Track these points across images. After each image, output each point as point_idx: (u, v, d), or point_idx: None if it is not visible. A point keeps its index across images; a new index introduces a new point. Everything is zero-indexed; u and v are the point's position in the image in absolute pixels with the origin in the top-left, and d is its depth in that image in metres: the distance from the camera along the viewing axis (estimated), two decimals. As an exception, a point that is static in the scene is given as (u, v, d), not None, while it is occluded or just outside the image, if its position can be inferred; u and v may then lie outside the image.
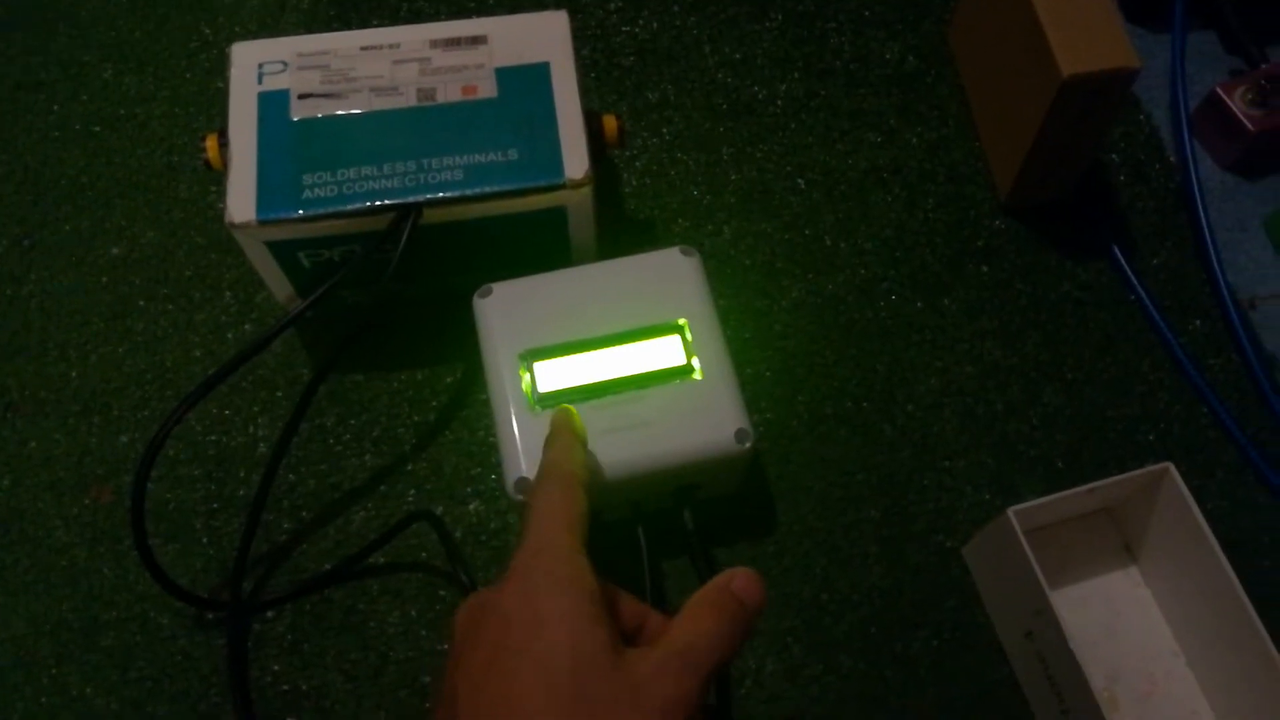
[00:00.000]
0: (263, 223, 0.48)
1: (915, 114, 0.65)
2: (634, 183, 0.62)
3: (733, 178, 0.62)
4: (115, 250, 0.59)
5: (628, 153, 0.63)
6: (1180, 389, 0.56)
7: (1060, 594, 0.50)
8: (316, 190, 0.49)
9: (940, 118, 0.65)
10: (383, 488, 0.53)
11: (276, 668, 0.49)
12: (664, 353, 0.49)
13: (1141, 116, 0.65)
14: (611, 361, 0.48)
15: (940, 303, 0.59)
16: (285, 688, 0.48)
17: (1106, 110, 0.54)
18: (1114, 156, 0.64)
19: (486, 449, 0.54)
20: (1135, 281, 0.59)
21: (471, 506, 0.52)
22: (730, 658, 0.35)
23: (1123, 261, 0.59)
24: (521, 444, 0.46)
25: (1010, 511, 0.45)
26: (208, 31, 0.66)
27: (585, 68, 0.65)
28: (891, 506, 0.53)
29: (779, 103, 0.65)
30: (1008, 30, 0.57)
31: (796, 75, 0.66)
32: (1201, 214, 0.60)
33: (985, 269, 0.60)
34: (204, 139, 0.51)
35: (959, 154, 0.63)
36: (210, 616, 0.50)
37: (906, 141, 0.64)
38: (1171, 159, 0.64)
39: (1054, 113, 0.54)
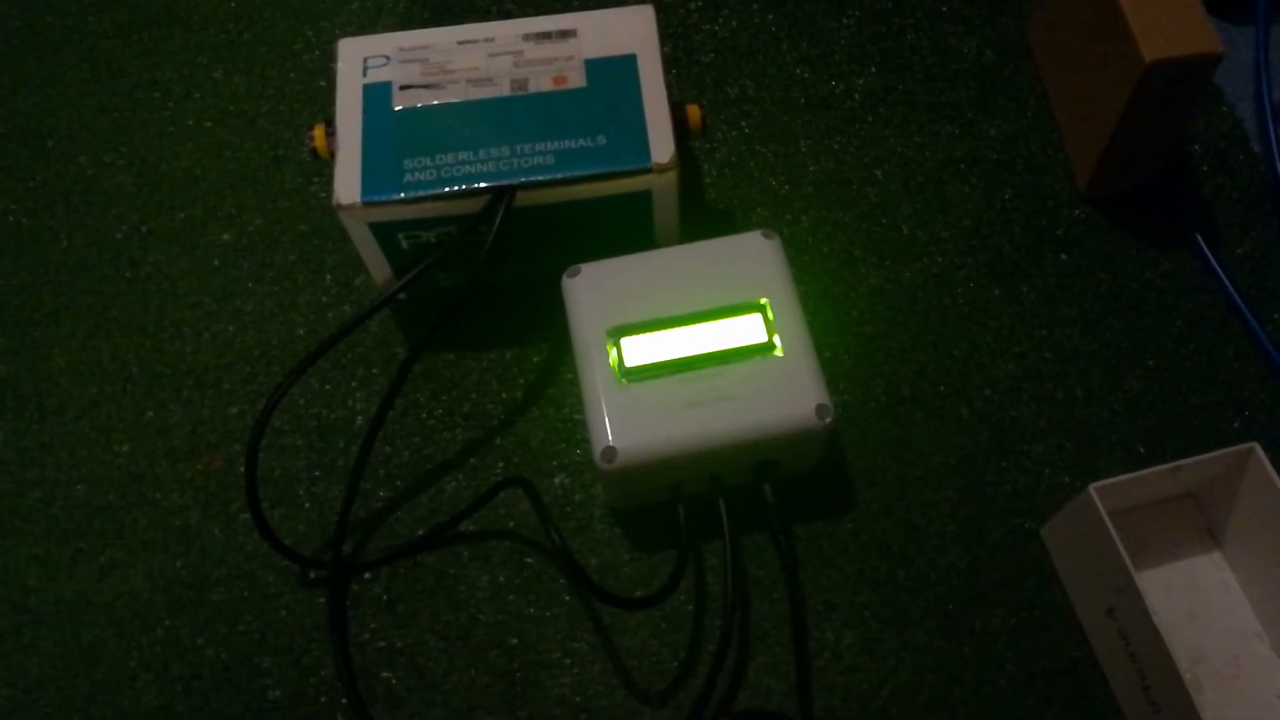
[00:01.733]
0: (367, 204, 0.51)
1: (993, 107, 0.66)
2: (714, 173, 0.64)
3: (810, 169, 0.64)
4: (226, 236, 0.63)
5: (708, 145, 0.65)
6: (1265, 377, 0.56)
7: (1142, 577, 0.50)
8: (417, 174, 0.52)
9: (1018, 110, 0.65)
10: (472, 460, 0.55)
11: (373, 626, 0.51)
12: (746, 330, 0.50)
13: (1225, 108, 0.65)
14: (695, 338, 0.50)
15: (1018, 290, 0.59)
16: (381, 645, 0.51)
17: (1188, 97, 0.55)
18: (1196, 147, 0.64)
19: (572, 425, 0.56)
20: (1219, 270, 0.59)
21: (557, 480, 0.55)
22: None
23: (1206, 250, 0.59)
24: (609, 415, 0.48)
25: (1092, 488, 0.45)
26: (310, 34, 0.70)
27: (667, 64, 0.67)
28: (969, 488, 0.54)
29: (856, 97, 0.67)
30: (1089, 19, 0.57)
31: (874, 70, 0.67)
32: (1288, 204, 0.60)
33: (1064, 257, 0.60)
34: (311, 129, 0.54)
35: (1037, 146, 0.64)
36: (312, 576, 0.52)
37: (984, 133, 0.65)
38: (1255, 150, 0.64)
39: (1135, 99, 0.54)
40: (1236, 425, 0.55)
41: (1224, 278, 0.58)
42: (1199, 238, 0.60)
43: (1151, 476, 0.46)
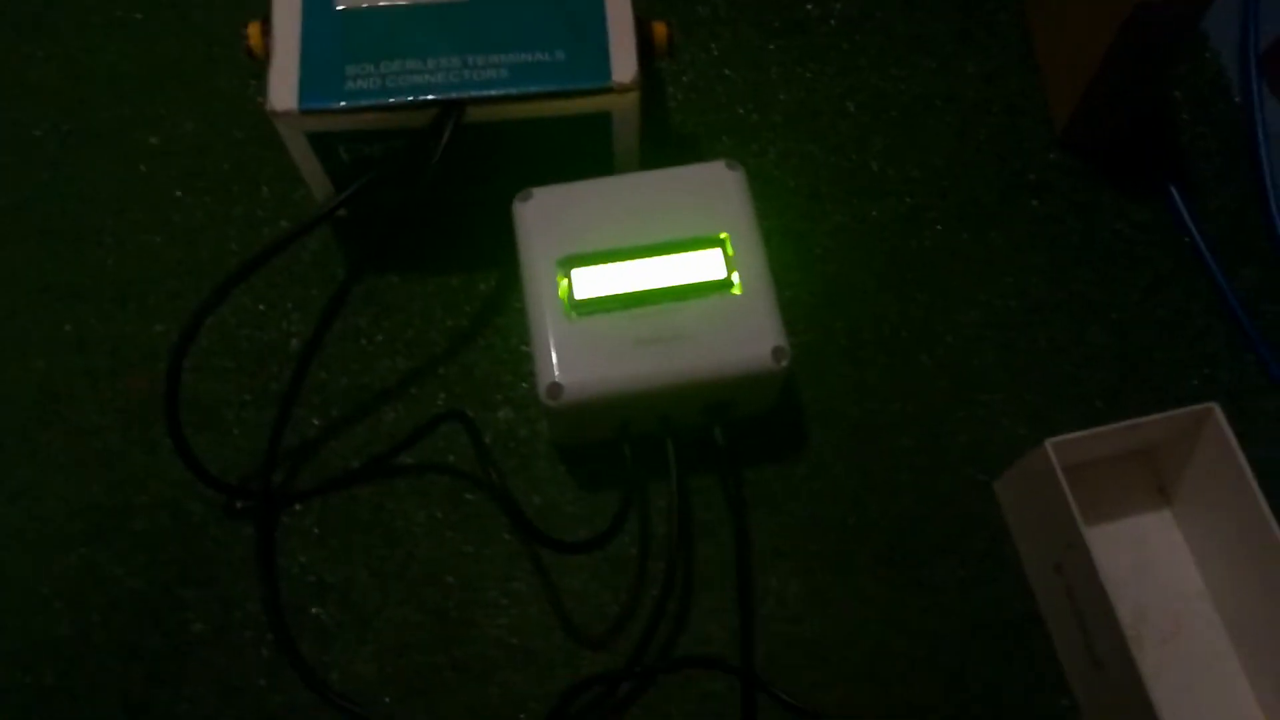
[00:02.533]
0: (304, 112, 0.48)
1: (974, 42, 0.63)
2: (679, 97, 0.61)
3: (780, 97, 0.61)
4: (153, 140, 0.58)
5: (674, 66, 0.61)
6: (1230, 335, 0.55)
7: (1091, 531, 0.49)
8: (359, 81, 0.48)
9: (1000, 47, 0.63)
10: (413, 390, 0.53)
11: (303, 559, 0.49)
12: (704, 265, 0.48)
13: (1208, 54, 0.63)
14: (650, 271, 0.47)
15: (987, 235, 0.57)
16: (311, 579, 0.49)
17: (1175, 42, 0.52)
18: (1177, 94, 0.62)
19: (519, 357, 0.53)
20: (1191, 224, 0.57)
21: (501, 414, 0.52)
22: None
23: (1180, 203, 0.58)
24: (556, 349, 0.46)
25: (1048, 443, 0.44)
26: (251, -77, 0.65)
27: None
28: (925, 436, 0.52)
29: (832, 22, 0.63)
30: (1079, -48, 0.55)
31: (852, -5, 0.64)
32: (1264, 158, 0.58)
33: (1036, 203, 0.58)
34: (246, 26, 0.50)
35: (1016, 85, 0.61)
36: (239, 506, 0.50)
37: (962, 69, 0.62)
38: (1237, 100, 0.62)
39: (1120, 42, 0.52)
40: (1196, 383, 0.54)
41: (1195, 231, 0.57)
42: (1173, 189, 0.58)
43: (1108, 434, 0.45)
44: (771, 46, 0.62)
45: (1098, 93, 0.55)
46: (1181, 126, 0.61)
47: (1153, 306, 0.56)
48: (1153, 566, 0.49)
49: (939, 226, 0.57)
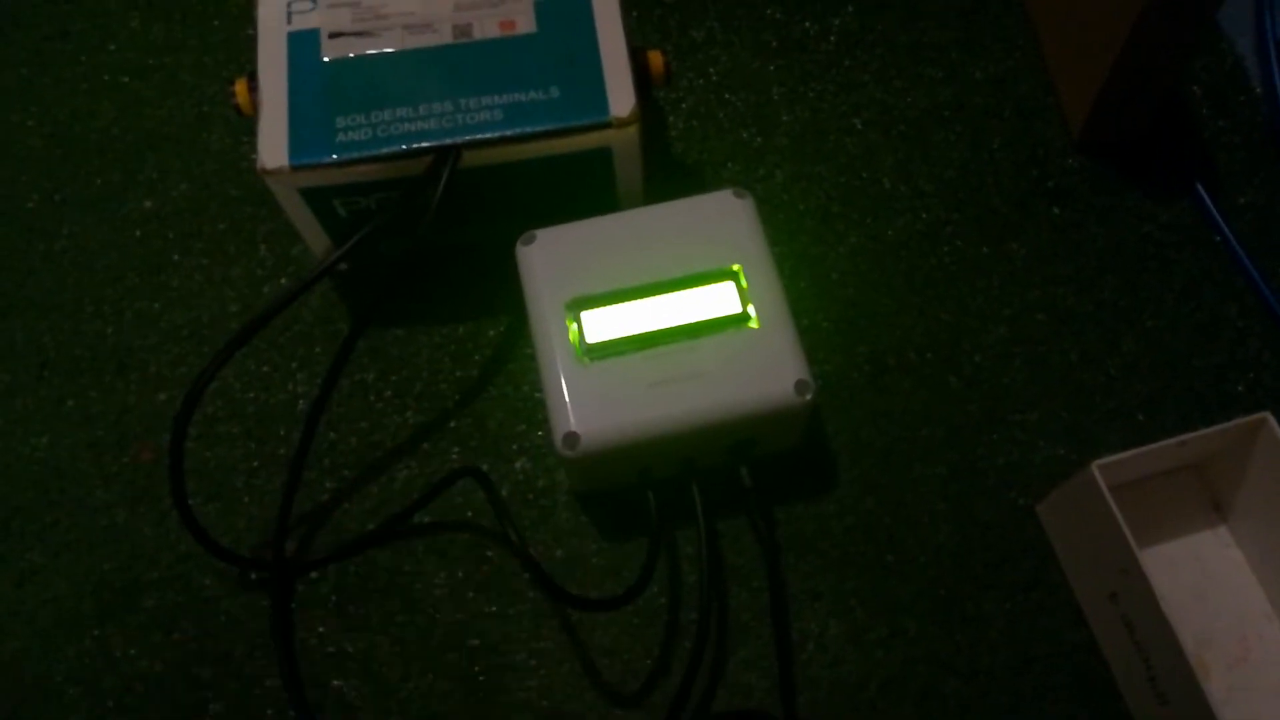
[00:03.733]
0: (295, 168, 0.46)
1: (979, 47, 0.61)
2: (680, 126, 0.59)
3: (784, 119, 0.59)
4: (148, 204, 0.57)
5: (672, 94, 0.60)
6: (1271, 337, 0.52)
7: (1145, 555, 0.46)
8: (350, 133, 0.47)
9: (1006, 50, 0.61)
10: (425, 445, 0.51)
11: (321, 630, 0.47)
12: (718, 300, 0.46)
13: (1224, 45, 0.61)
14: (663, 309, 0.46)
15: (1008, 247, 0.55)
16: (331, 650, 0.47)
17: (1192, 32, 0.50)
18: (1195, 89, 0.59)
19: (532, 405, 0.52)
20: (1221, 222, 0.55)
21: (518, 464, 0.50)
22: None
23: (1207, 200, 0.55)
24: (570, 397, 0.44)
25: (1094, 465, 0.42)
26: (236, -23, 0.64)
27: (625, 4, 0.62)
28: (960, 462, 0.50)
29: (832, 38, 0.62)
30: (1084, -50, 0.53)
31: (850, 9, 0.62)
32: (1292, 148, 0.56)
33: (1057, 210, 0.56)
34: (233, 83, 0.49)
35: (1027, 88, 0.60)
36: (253, 577, 0.48)
37: (970, 77, 0.60)
38: (1258, 90, 0.59)
39: (1136, 35, 0.50)
40: (1241, 389, 0.51)
41: (1227, 230, 0.55)
42: (1199, 187, 0.56)
43: (1157, 451, 0.43)
44: (771, 67, 0.61)
45: (1114, 91, 0.53)
46: (1202, 122, 0.58)
47: (1188, 311, 0.53)
48: (1214, 587, 0.46)
49: (958, 241, 0.55)
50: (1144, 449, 0.42)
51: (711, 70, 0.61)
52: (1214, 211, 0.55)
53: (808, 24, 0.62)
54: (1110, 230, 0.55)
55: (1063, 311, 0.53)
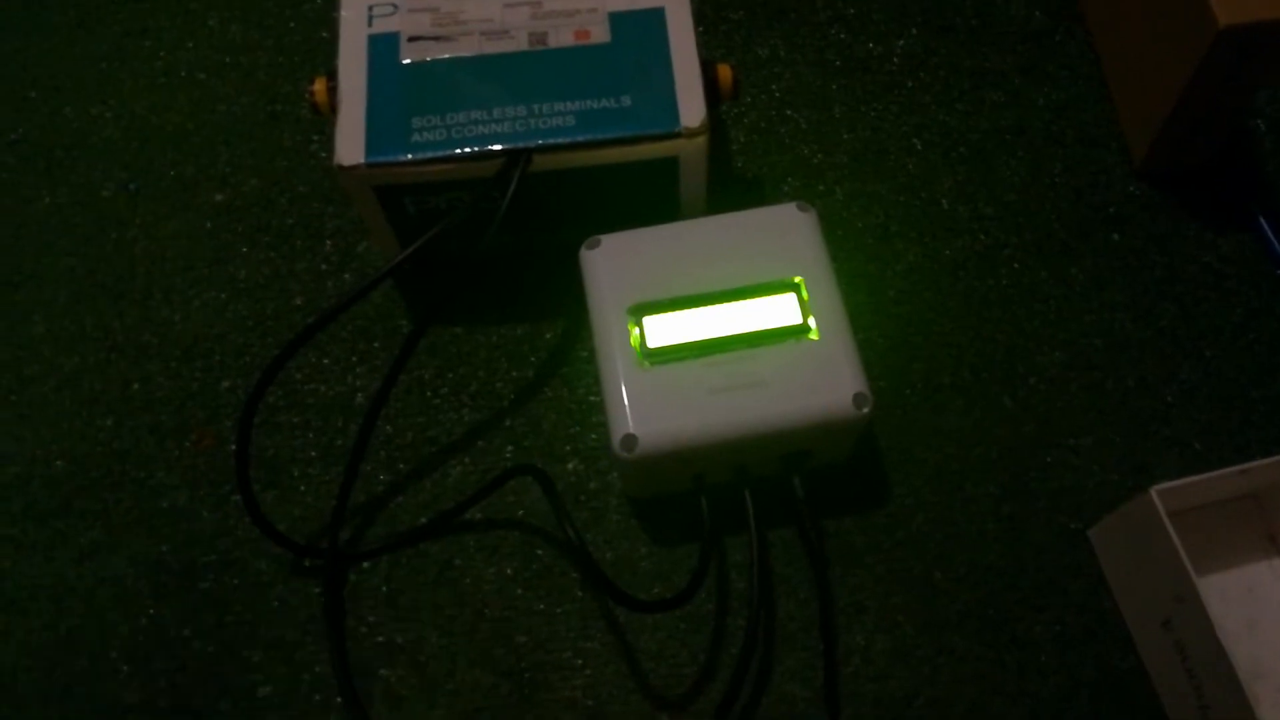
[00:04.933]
0: (371, 165, 0.47)
1: (1042, 73, 0.61)
2: (742, 139, 0.60)
3: (845, 137, 0.60)
4: (219, 197, 0.59)
5: (736, 109, 0.61)
6: (1331, 371, 0.52)
7: (1200, 584, 0.46)
8: (425, 134, 0.48)
9: (1069, 77, 0.61)
10: (480, 443, 0.52)
11: (371, 619, 0.48)
12: (779, 311, 0.46)
13: (1290, 80, 0.61)
14: (724, 318, 0.46)
15: (1067, 272, 0.55)
16: (380, 639, 0.47)
17: (1262, 66, 0.50)
18: (1259, 123, 0.59)
19: (586, 408, 0.52)
20: (1282, 254, 0.55)
21: (570, 465, 0.51)
22: None
23: (1269, 233, 0.55)
24: (629, 400, 0.45)
25: (1154, 491, 0.42)
26: (312, -19, 0.66)
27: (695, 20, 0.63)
28: (1012, 483, 0.50)
29: (895, 60, 0.62)
30: (1154, -20, 0.53)
31: (914, 31, 0.63)
32: (1358, 184, 0.56)
33: (1116, 237, 0.56)
34: (312, 81, 0.50)
35: (1089, 116, 0.60)
36: (307, 564, 0.49)
37: (1032, 102, 0.60)
38: (1323, 126, 0.59)
39: (1205, 67, 0.50)
40: (1300, 422, 0.51)
41: (1288, 263, 0.54)
42: (1262, 219, 0.56)
43: (1217, 479, 0.43)
44: (834, 86, 0.61)
45: (1179, 120, 0.53)
46: (1265, 155, 0.58)
47: (1247, 342, 0.53)
48: (1267, 618, 0.46)
49: (1015, 264, 0.56)
50: (1204, 476, 0.42)
51: (774, 87, 0.61)
52: (1275, 244, 0.55)
53: (871, 45, 0.63)
54: (1170, 258, 0.55)
55: (1120, 338, 0.53)
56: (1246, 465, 0.42)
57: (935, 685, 0.46)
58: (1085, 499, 0.49)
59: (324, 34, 0.64)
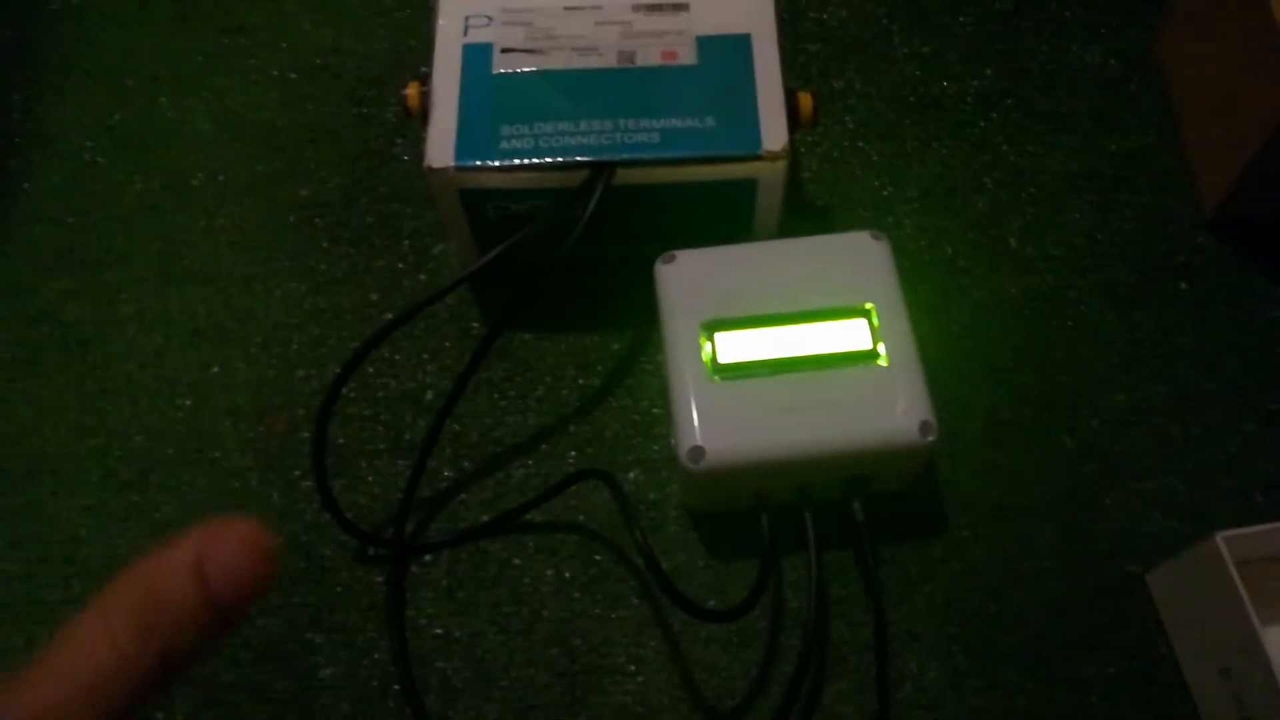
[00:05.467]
0: (459, 169, 0.49)
1: (1115, 120, 0.62)
2: (814, 168, 0.61)
3: (916, 171, 0.61)
4: (303, 192, 0.60)
5: (809, 138, 0.62)
6: (1398, 432, 0.52)
7: (1262, 633, 0.46)
8: (514, 141, 0.49)
9: (1142, 127, 0.62)
10: (544, 446, 0.53)
11: (431, 611, 0.49)
12: (849, 335, 0.47)
13: (1366, 141, 0.61)
14: (795, 338, 0.47)
15: (1133, 317, 0.56)
16: (438, 632, 0.48)
17: (1345, 125, 0.51)
18: (1333, 180, 0.60)
19: (650, 419, 0.53)
20: (1352, 313, 0.55)
21: (631, 475, 0.52)
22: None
23: (1339, 291, 0.55)
24: (698, 413, 0.45)
25: (1219, 536, 0.42)
26: (403, -9, 0.68)
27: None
28: (1070, 523, 0.50)
29: (969, 100, 0.63)
30: (1238, 33, 0.54)
31: (989, 73, 0.64)
32: None
33: (1184, 285, 0.56)
34: (406, 84, 0.52)
35: (1161, 165, 0.60)
36: (371, 553, 0.50)
37: (1104, 148, 0.61)
38: (1397, 188, 0.59)
39: (1285, 124, 0.50)
40: (1364, 481, 0.51)
41: (1358, 322, 0.54)
42: (1333, 277, 0.56)
43: (1282, 530, 0.43)
44: (907, 121, 0.62)
45: (1257, 175, 0.54)
46: (1339, 213, 0.58)
47: (1313, 398, 0.53)
48: (1324, 676, 0.45)
49: (1081, 306, 0.56)
50: (1270, 526, 0.42)
51: (848, 119, 0.62)
52: (1347, 303, 0.55)
53: (946, 84, 0.64)
54: (1237, 310, 0.56)
55: (1185, 385, 0.53)
56: (1314, 518, 0.43)
57: (986, 717, 0.46)
58: (1144, 543, 0.49)
59: (412, 42, 0.66)
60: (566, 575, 0.50)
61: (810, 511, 0.47)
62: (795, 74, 0.64)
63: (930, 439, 0.45)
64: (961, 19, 0.66)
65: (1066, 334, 0.55)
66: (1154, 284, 0.57)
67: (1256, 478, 0.51)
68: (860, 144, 0.62)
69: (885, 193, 0.60)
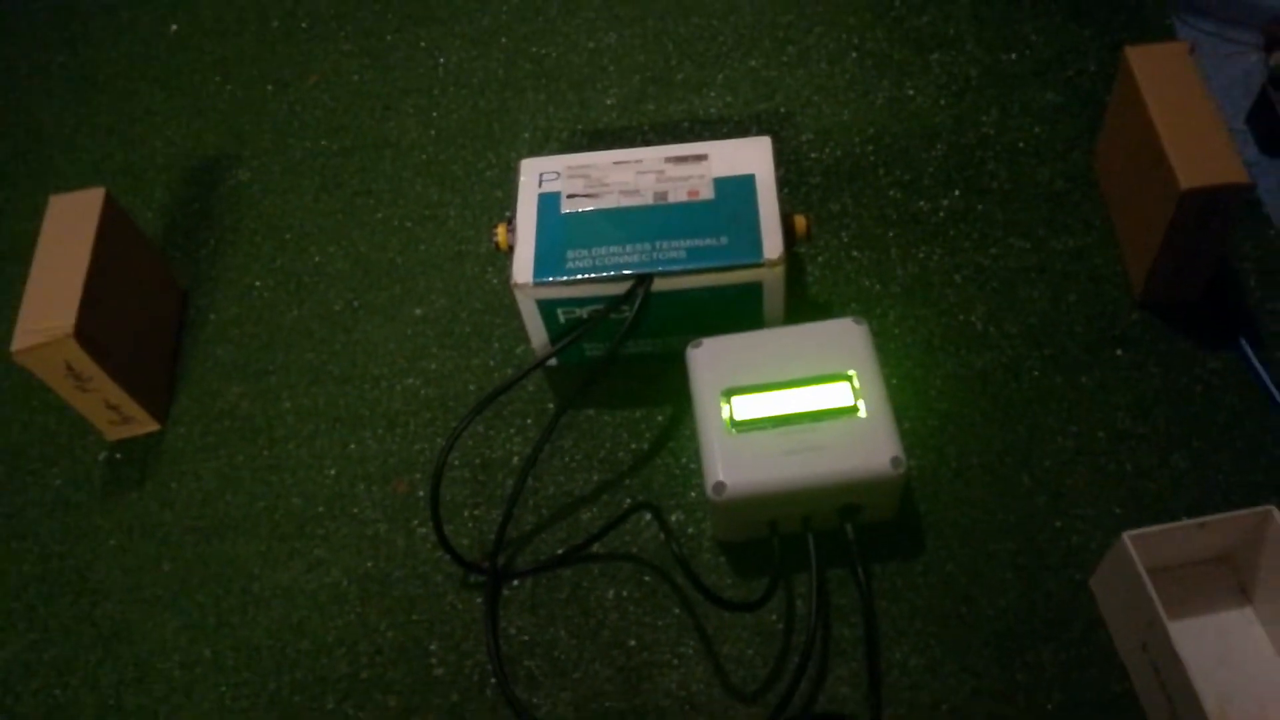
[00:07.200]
0: (538, 284, 0.66)
1: (1061, 226, 0.76)
2: (815, 273, 0.76)
3: (898, 273, 0.75)
4: (418, 311, 0.78)
5: (811, 249, 0.77)
6: (1304, 463, 0.63)
7: (1176, 626, 0.57)
8: (577, 262, 0.66)
9: (1084, 229, 0.76)
10: (604, 496, 0.67)
11: (519, 623, 0.63)
12: (836, 395, 0.61)
13: (1272, 231, 0.74)
14: (794, 399, 0.61)
15: (1078, 380, 0.68)
16: (524, 639, 0.62)
17: (1223, 220, 0.64)
18: (1245, 264, 0.72)
19: (688, 472, 0.67)
20: (1262, 372, 0.67)
21: (674, 516, 0.66)
22: None
23: (1250, 354, 0.67)
24: (720, 457, 0.60)
25: (1126, 535, 0.54)
26: (491, 156, 0.87)
27: (781, 183, 0.80)
28: (1027, 542, 0.62)
29: (941, 214, 0.78)
30: (1138, 152, 0.68)
31: (957, 193, 0.79)
32: (1329, 315, 0.68)
33: (1120, 352, 0.69)
34: (495, 227, 0.70)
35: (1099, 259, 0.74)
36: (472, 580, 0.65)
37: (1052, 248, 0.75)
38: (1303, 269, 0.72)
39: (1176, 221, 0.64)
40: (1275, 503, 0.62)
41: (1266, 378, 0.66)
42: (1243, 342, 0.68)
43: (1181, 529, 0.54)
44: (891, 234, 0.78)
45: (1164, 262, 0.67)
46: (1249, 290, 0.71)
47: (1229, 439, 0.65)
48: (1236, 656, 0.56)
49: (1035, 373, 0.69)
50: (1169, 525, 0.54)
51: (843, 233, 0.78)
52: (1255, 362, 0.67)
53: (922, 203, 0.79)
54: (1166, 371, 0.68)
55: (1121, 431, 0.66)
56: (1204, 519, 0.54)
57: (958, 696, 0.57)
58: (1088, 557, 0.61)
59: (498, 194, 0.84)
60: (624, 593, 0.63)
61: (812, 535, 0.60)
62: (799, 200, 0.81)
63: (900, 470, 0.58)
64: (934, 152, 0.82)
65: (1023, 394, 0.68)
66: (1095, 352, 0.70)
67: (1182, 503, 0.62)
68: (853, 253, 0.77)
69: (874, 290, 0.75)
